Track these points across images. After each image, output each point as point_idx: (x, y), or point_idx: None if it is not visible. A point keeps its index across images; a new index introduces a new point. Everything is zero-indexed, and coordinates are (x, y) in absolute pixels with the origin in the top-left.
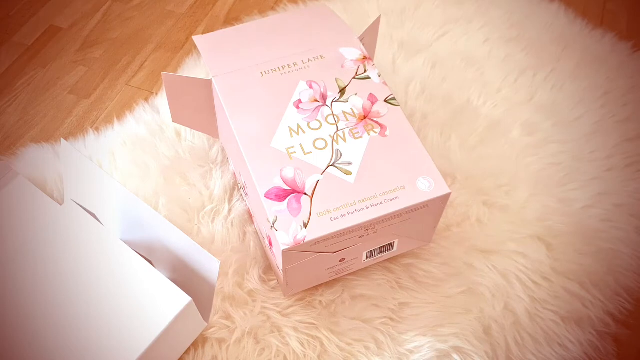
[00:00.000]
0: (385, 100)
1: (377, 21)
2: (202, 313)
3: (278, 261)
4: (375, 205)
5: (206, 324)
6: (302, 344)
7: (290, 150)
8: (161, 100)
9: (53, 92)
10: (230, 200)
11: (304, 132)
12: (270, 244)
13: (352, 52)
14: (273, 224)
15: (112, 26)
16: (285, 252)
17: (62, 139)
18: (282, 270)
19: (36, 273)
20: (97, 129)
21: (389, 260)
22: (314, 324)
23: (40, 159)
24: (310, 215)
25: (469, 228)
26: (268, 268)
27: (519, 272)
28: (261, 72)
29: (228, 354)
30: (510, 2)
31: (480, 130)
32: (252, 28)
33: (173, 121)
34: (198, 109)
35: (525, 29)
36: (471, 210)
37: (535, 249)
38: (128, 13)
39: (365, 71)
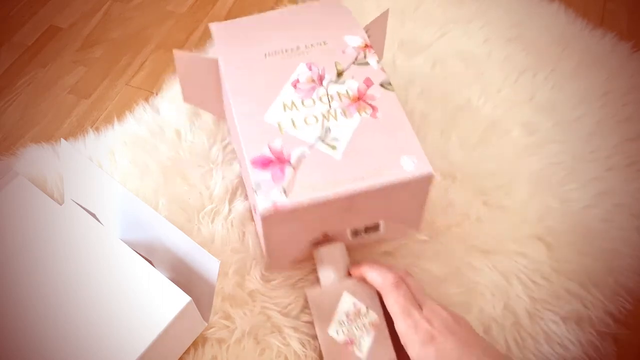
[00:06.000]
0: (380, 85)
1: (384, 15)
2: (202, 313)
3: (259, 227)
4: (358, 180)
5: (206, 324)
6: (302, 344)
7: (282, 124)
8: (161, 100)
9: (53, 92)
10: (230, 201)
11: (297, 109)
12: (255, 212)
13: (355, 40)
14: (256, 190)
15: (112, 26)
16: (264, 217)
17: (62, 139)
18: (263, 237)
19: (36, 273)
20: (97, 129)
21: (389, 260)
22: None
23: (40, 159)
24: (293, 185)
25: (469, 228)
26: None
27: (519, 272)
28: (264, 54)
29: (228, 354)
30: (510, 2)
31: (480, 130)
32: (270, 17)
33: (184, 101)
34: (207, 88)
35: (525, 29)
36: (471, 210)
37: (535, 249)
38: (128, 13)
39: (365, 57)
